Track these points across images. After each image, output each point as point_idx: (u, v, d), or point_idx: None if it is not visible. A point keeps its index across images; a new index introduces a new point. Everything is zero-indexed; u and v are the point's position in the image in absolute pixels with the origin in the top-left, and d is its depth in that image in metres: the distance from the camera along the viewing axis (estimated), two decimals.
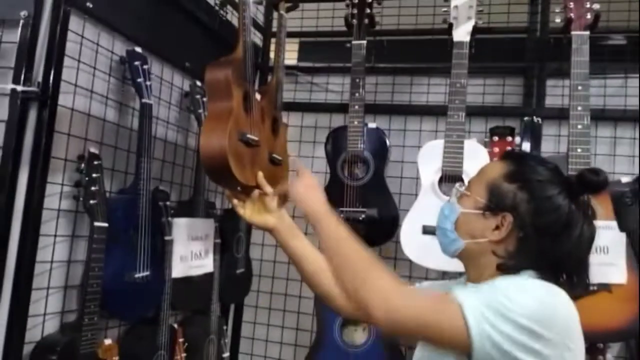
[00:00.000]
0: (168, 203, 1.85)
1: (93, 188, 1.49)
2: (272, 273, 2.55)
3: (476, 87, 2.36)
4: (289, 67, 2.65)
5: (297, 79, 2.65)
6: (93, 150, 1.52)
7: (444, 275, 2.11)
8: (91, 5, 1.52)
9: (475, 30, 2.06)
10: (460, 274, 1.20)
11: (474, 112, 2.33)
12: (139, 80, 1.66)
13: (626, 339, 1.85)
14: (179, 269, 1.89)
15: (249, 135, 1.48)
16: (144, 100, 1.66)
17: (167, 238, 1.83)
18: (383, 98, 2.51)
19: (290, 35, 2.63)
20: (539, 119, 2.22)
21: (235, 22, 2.40)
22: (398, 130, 2.45)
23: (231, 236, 2.30)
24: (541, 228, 0.99)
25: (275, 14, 2.50)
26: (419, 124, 2.41)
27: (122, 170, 1.75)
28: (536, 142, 2.22)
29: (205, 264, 2.07)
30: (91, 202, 1.49)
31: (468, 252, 1.07)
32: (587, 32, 1.90)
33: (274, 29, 2.64)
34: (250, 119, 1.55)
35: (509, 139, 2.13)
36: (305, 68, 2.65)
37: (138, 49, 1.70)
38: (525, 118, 2.24)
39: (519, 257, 1.00)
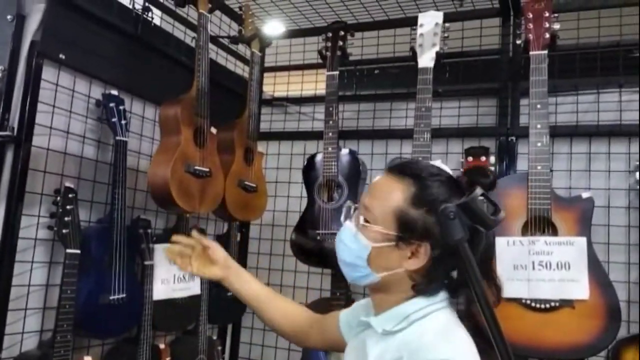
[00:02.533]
0: (149, 230, 2.01)
1: (66, 218, 1.67)
2: None
3: (452, 110, 2.42)
4: (276, 99, 2.83)
5: (286, 109, 2.80)
6: (68, 184, 1.71)
7: None
8: (64, 57, 1.72)
9: (445, 55, 2.14)
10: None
11: (450, 133, 2.40)
12: (113, 120, 1.84)
13: (591, 355, 1.82)
14: (160, 292, 2.03)
15: (197, 167, 1.62)
16: (118, 138, 1.84)
17: (147, 263, 1.98)
18: (365, 124, 2.60)
19: (281, 69, 2.82)
20: (514, 138, 2.25)
21: (219, 59, 2.58)
22: (380, 154, 2.53)
23: None
24: (452, 245, 0.92)
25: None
26: (399, 148, 2.49)
27: (103, 202, 1.93)
28: (511, 161, 2.25)
29: (191, 287, 2.20)
30: (64, 231, 1.66)
31: (383, 283, 1.02)
32: (545, 52, 1.93)
33: (268, 64, 2.83)
34: (202, 152, 1.69)
35: (483, 158, 2.18)
36: (292, 99, 2.79)
37: (114, 92, 1.88)
38: (500, 137, 2.28)
39: (435, 275, 0.99)
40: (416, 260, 0.97)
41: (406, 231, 0.97)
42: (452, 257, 0.92)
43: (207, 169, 1.72)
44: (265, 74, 2.80)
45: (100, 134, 1.93)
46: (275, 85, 2.85)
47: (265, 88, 2.83)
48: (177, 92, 1.86)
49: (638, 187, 1.94)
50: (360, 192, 2.31)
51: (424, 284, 0.99)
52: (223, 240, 2.50)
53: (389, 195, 0.99)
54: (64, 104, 1.79)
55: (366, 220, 1.00)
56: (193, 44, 1.99)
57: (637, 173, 1.96)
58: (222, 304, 2.42)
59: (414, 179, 0.99)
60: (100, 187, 1.92)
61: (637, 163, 1.96)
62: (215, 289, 2.36)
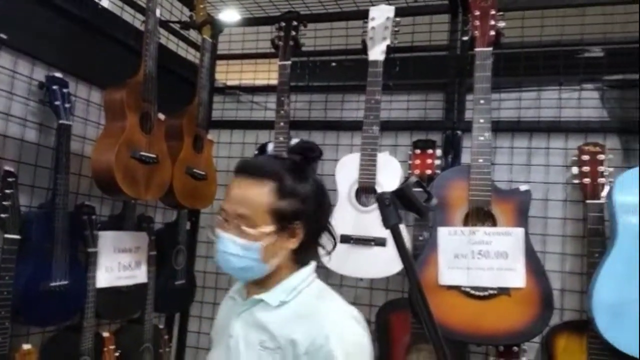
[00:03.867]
0: (93, 217, 1.97)
1: (5, 203, 1.62)
2: (215, 284, 2.66)
3: (401, 103, 2.47)
4: (229, 87, 2.81)
5: (239, 98, 2.79)
6: (8, 168, 1.66)
7: (358, 281, 2.20)
8: (5, 37, 1.66)
9: (395, 49, 2.18)
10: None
11: (399, 126, 2.45)
12: (56, 103, 1.79)
13: (526, 340, 1.91)
14: (104, 280, 2.00)
15: (142, 153, 1.60)
16: (61, 122, 1.79)
17: (90, 250, 1.94)
18: (317, 115, 2.63)
19: (234, 57, 2.80)
20: (459, 132, 2.32)
21: (170, 45, 2.55)
22: (332, 145, 2.56)
23: (170, 249, 2.42)
24: (318, 214, 1.17)
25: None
26: (350, 139, 2.52)
27: (45, 187, 1.88)
28: (456, 154, 2.32)
29: (137, 275, 2.18)
30: (2, 215, 1.61)
31: (272, 269, 1.16)
32: (490, 49, 2.00)
33: (221, 51, 2.81)
34: (148, 138, 1.68)
35: (430, 151, 2.24)
36: (244, 87, 2.78)
37: (58, 74, 1.83)
38: (447, 131, 2.34)
39: (310, 246, 1.18)
40: (296, 239, 1.15)
41: (281, 221, 1.12)
42: (319, 224, 1.19)
43: (154, 155, 1.70)
44: (218, 62, 2.78)
45: (42, 117, 1.87)
46: (228, 74, 2.83)
47: (217, 76, 2.81)
48: (125, 77, 1.83)
49: (576, 181, 2.03)
50: None
51: (302, 256, 1.18)
52: (172, 228, 2.48)
53: (258, 198, 1.12)
54: (5, 86, 1.73)
55: (248, 226, 1.11)
56: (142, 28, 1.96)
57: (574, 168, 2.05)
58: (170, 292, 2.40)
59: (271, 177, 1.13)
60: (42, 171, 1.87)
61: (574, 158, 2.05)
62: (162, 277, 2.34)
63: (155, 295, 2.26)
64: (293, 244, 1.14)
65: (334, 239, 1.24)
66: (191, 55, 2.69)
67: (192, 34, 2.61)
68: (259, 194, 1.11)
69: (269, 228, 1.11)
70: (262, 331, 1.13)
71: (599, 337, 1.74)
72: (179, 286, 2.46)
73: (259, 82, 2.76)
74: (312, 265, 1.20)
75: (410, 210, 0.90)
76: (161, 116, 1.82)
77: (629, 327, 1.68)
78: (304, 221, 1.14)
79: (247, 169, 1.15)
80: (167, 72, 2.25)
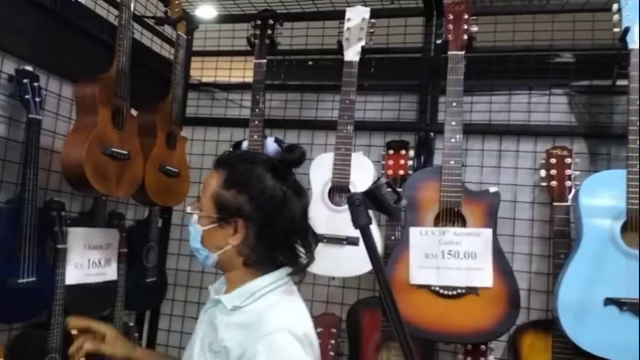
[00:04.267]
0: (63, 213, 1.94)
1: None
2: (186, 282, 2.64)
3: (375, 104, 2.49)
4: (203, 84, 2.80)
5: (213, 95, 2.78)
6: None
7: (330, 280, 2.22)
8: None
9: (371, 50, 2.20)
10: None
11: (373, 127, 2.47)
12: (27, 96, 1.76)
13: (493, 339, 1.95)
14: (73, 276, 1.98)
15: (114, 149, 1.59)
16: (31, 116, 1.76)
17: (59, 246, 1.92)
18: (292, 114, 2.63)
19: (209, 54, 2.79)
20: (432, 134, 2.35)
21: (144, 40, 2.52)
22: (306, 144, 2.56)
23: (141, 246, 2.39)
24: (267, 217, 1.13)
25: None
26: (324, 139, 2.54)
27: (13, 182, 1.84)
28: (429, 155, 2.35)
29: (107, 272, 2.15)
30: None
31: (221, 262, 1.18)
32: (462, 52, 2.03)
33: (196, 48, 2.79)
34: (120, 134, 1.66)
35: (403, 152, 2.26)
36: (219, 85, 2.77)
37: (28, 68, 1.80)
38: (420, 132, 2.37)
39: (260, 248, 1.14)
40: (237, 235, 1.13)
41: (222, 211, 1.14)
42: (270, 227, 1.14)
43: (126, 152, 1.69)
44: (193, 58, 2.76)
45: (12, 111, 1.84)
46: (203, 70, 2.81)
47: (192, 72, 2.80)
48: (97, 71, 1.80)
49: (544, 184, 2.08)
50: None
51: (251, 259, 1.15)
52: (144, 226, 2.46)
53: (209, 183, 1.17)
54: None
55: (198, 209, 1.18)
56: (116, 23, 1.93)
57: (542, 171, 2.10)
58: (140, 290, 2.38)
59: (226, 166, 1.17)
60: (11, 166, 1.83)
61: (543, 161, 2.10)
62: (133, 275, 2.32)
63: (125, 293, 2.24)
64: (234, 240, 1.13)
65: (310, 246, 1.20)
66: (166, 51, 2.67)
67: (167, 30, 2.59)
68: (211, 180, 1.16)
69: (209, 214, 1.14)
70: (213, 333, 1.13)
71: (563, 335, 1.79)
72: (149, 284, 2.44)
73: (234, 80, 2.76)
74: (281, 271, 1.17)
75: (380, 211, 0.91)
76: (134, 112, 1.81)
77: (592, 327, 1.73)
78: (248, 221, 1.12)
79: (217, 158, 1.21)
80: (140, 67, 2.22)
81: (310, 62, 2.74)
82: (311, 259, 1.18)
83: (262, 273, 1.15)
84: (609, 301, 1.72)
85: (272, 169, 1.15)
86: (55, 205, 1.92)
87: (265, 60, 2.30)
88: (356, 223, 0.90)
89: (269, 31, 2.32)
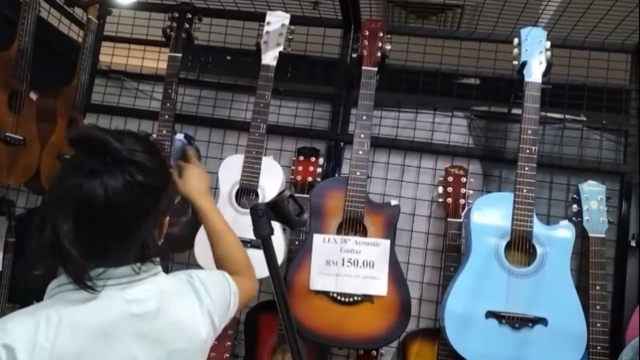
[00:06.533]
0: None
1: None
2: None
3: (290, 109, 2.52)
4: (112, 71, 2.69)
5: (123, 83, 2.67)
6: None
7: None
8: None
9: (289, 56, 2.22)
10: None
11: (285, 132, 2.49)
12: None
13: (384, 345, 2.04)
14: None
15: (8, 134, 1.50)
16: None
17: None
18: (205, 111, 2.59)
19: (121, 40, 2.68)
20: (342, 143, 2.42)
21: (51, 19, 2.38)
22: (217, 143, 2.54)
23: (31, 236, 2.25)
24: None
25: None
26: (236, 139, 2.52)
27: None
28: (337, 164, 2.42)
29: None
30: None
31: None
32: (375, 69, 2.11)
33: (108, 32, 2.67)
34: (16, 118, 1.56)
35: (313, 159, 2.30)
36: (130, 74, 2.68)
37: None
38: (330, 141, 2.43)
39: None
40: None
41: None
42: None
43: (21, 137, 1.58)
44: (104, 43, 2.64)
45: None
46: (114, 57, 2.70)
47: (101, 58, 2.67)
48: None
49: (440, 200, 2.20)
50: None
51: None
52: (35, 214, 2.31)
53: None
54: None
55: None
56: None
57: (440, 187, 2.22)
58: (26, 282, 2.23)
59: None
60: None
61: (441, 178, 2.22)
62: (20, 266, 2.18)
63: (10, 285, 2.10)
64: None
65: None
66: (74, 33, 2.53)
67: (78, 11, 2.46)
68: None
69: None
70: None
71: (448, 344, 1.90)
72: (36, 276, 2.29)
73: (147, 71, 2.67)
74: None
75: (282, 222, 0.94)
76: (33, 95, 1.70)
77: (474, 337, 1.85)
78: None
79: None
80: (45, 48, 2.10)
81: (228, 57, 2.70)
82: None
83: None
84: (490, 314, 1.85)
85: (93, 165, 0.94)
86: None
87: (180, 54, 2.25)
88: (257, 233, 0.91)
89: (187, 25, 2.27)
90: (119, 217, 0.94)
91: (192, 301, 1.06)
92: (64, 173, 0.95)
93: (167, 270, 1.07)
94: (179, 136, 2.29)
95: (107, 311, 0.94)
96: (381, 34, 2.13)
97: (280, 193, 0.94)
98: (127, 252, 0.97)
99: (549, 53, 2.00)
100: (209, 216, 1.41)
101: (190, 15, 2.27)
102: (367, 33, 2.12)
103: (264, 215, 0.90)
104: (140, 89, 2.68)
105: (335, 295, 1.95)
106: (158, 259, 1.04)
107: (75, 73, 2.05)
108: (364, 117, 2.07)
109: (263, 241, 0.90)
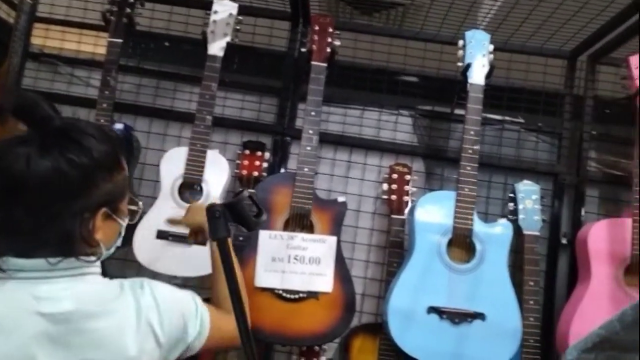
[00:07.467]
0: None
1: None
2: None
3: (235, 102, 2.47)
4: (45, 55, 2.53)
5: (57, 68, 2.52)
6: None
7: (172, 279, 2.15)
8: None
9: (236, 47, 2.16)
10: None
11: (231, 124, 2.44)
12: None
13: (329, 341, 2.05)
14: None
15: None
16: None
17: None
18: (145, 100, 2.49)
19: (55, 22, 2.53)
20: (289, 138, 2.40)
21: None
22: (159, 134, 2.45)
23: None
24: None
25: None
26: (179, 130, 2.44)
27: None
28: (283, 159, 2.39)
29: None
30: None
31: None
32: (325, 64, 2.09)
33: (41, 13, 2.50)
34: None
35: (259, 153, 2.26)
36: (65, 58, 2.53)
37: None
38: (277, 136, 2.40)
39: None
40: None
41: None
42: None
43: None
44: (36, 25, 2.47)
45: None
46: (47, 40, 2.53)
47: (33, 40, 2.50)
48: None
49: (385, 197, 2.22)
50: (133, 169, 2.21)
51: None
52: None
53: None
54: None
55: None
56: None
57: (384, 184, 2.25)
58: None
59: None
60: None
61: (386, 176, 2.25)
62: None
63: None
64: None
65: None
66: (4, 12, 2.36)
67: None
68: None
69: None
70: None
71: (389, 339, 1.94)
72: None
73: (83, 56, 2.53)
74: None
75: (240, 224, 0.91)
76: None
77: (415, 332, 1.88)
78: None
79: None
80: None
81: (167, 43, 2.58)
82: None
83: None
84: (431, 309, 1.89)
85: (46, 145, 0.93)
86: None
87: (121, 40, 2.14)
88: (214, 235, 0.88)
89: (128, 9, 2.17)
90: (36, 193, 0.88)
91: (125, 311, 0.98)
92: (4, 140, 0.91)
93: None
94: (118, 126, 2.20)
95: (8, 303, 0.89)
96: (331, 30, 2.12)
97: (239, 193, 0.91)
98: (44, 241, 0.90)
99: (491, 56, 2.06)
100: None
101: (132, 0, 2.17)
102: (317, 28, 2.11)
103: (221, 216, 0.87)
104: (76, 75, 2.53)
105: (280, 292, 1.93)
106: (94, 258, 0.97)
107: (7, 55, 1.91)
108: (313, 113, 2.06)
109: (220, 243, 0.87)
